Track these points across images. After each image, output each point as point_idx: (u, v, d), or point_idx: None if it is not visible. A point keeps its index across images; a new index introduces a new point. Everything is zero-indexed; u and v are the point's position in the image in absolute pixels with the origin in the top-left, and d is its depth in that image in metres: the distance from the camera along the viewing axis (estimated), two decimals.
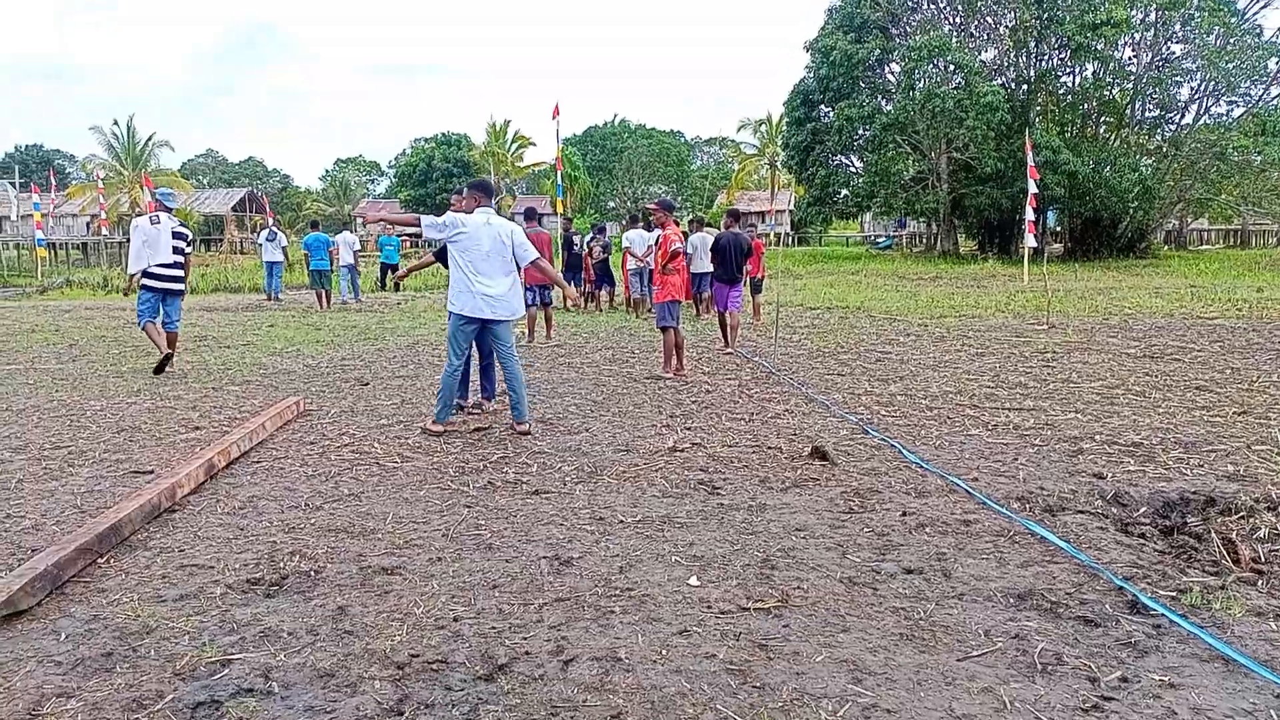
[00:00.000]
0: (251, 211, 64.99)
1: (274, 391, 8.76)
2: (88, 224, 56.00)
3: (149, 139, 59.01)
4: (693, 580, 3.97)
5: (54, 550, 4.01)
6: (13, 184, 56.56)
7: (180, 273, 10.17)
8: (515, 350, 7.27)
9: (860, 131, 41.01)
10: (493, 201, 7.38)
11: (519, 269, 7.19)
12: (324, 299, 19.96)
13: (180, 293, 10.35)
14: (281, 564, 4.15)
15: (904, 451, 6.24)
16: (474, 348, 7.64)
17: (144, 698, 2.96)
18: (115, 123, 57.90)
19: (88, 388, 9.00)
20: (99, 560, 4.17)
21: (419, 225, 7.16)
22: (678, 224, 11.01)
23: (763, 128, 67.64)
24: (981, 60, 39.66)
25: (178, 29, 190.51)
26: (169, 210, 10.17)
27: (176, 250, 10.01)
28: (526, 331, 12.73)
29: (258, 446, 6.45)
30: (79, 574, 4.00)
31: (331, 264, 20.85)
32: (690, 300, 15.84)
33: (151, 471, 5.76)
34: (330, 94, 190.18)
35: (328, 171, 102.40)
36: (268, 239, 22.82)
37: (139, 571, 4.08)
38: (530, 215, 11.70)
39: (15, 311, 19.08)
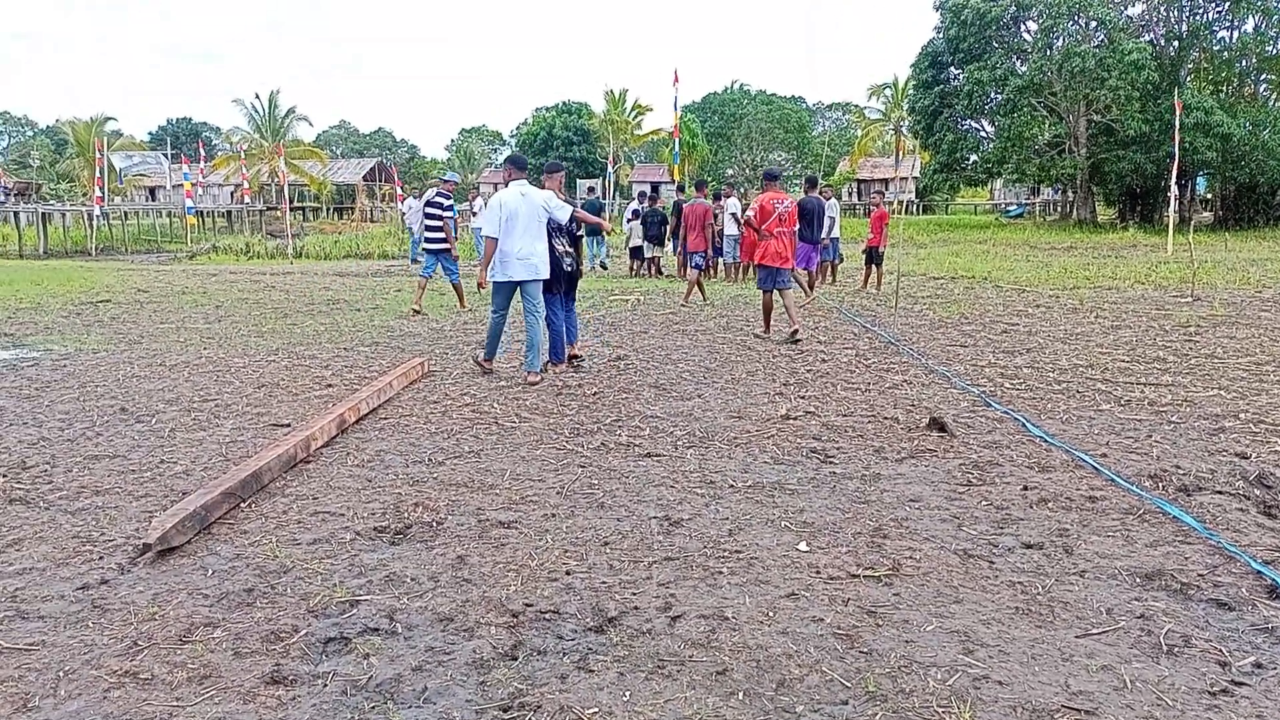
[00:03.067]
0: (381, 180, 67.26)
1: (400, 353, 9.12)
2: (231, 193, 59.15)
3: (288, 112, 61.72)
4: (802, 546, 3.96)
5: (202, 493, 4.32)
6: (166, 155, 60.24)
7: (438, 235, 12.20)
8: (540, 308, 7.92)
9: (992, 94, 39.24)
10: (521, 173, 8.05)
11: (601, 233, 7.79)
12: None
13: (444, 251, 12.29)
14: (406, 514, 4.35)
15: (1028, 425, 6.02)
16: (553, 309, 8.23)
17: (281, 631, 3.18)
18: (256, 96, 60.72)
19: (231, 346, 9.59)
20: (241, 504, 4.47)
21: (493, 244, 7.72)
22: (785, 191, 11.29)
23: (887, 91, 65.52)
24: (1127, 16, 37.33)
25: (315, 10, 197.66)
26: (452, 183, 12.86)
27: (430, 217, 12.28)
28: (688, 292, 13.95)
29: (385, 404, 6.75)
30: (224, 516, 4.31)
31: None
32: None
33: (288, 425, 6.11)
34: (456, 64, 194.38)
35: (453, 141, 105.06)
36: (408, 209, 24.22)
37: (277, 516, 4.36)
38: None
39: (167, 275, 20.42)
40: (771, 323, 10.39)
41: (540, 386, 7.43)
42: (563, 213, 7.90)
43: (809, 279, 14.20)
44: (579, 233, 8.45)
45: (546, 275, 7.90)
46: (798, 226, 10.82)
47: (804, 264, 14.01)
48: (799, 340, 9.73)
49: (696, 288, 13.97)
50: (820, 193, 16.49)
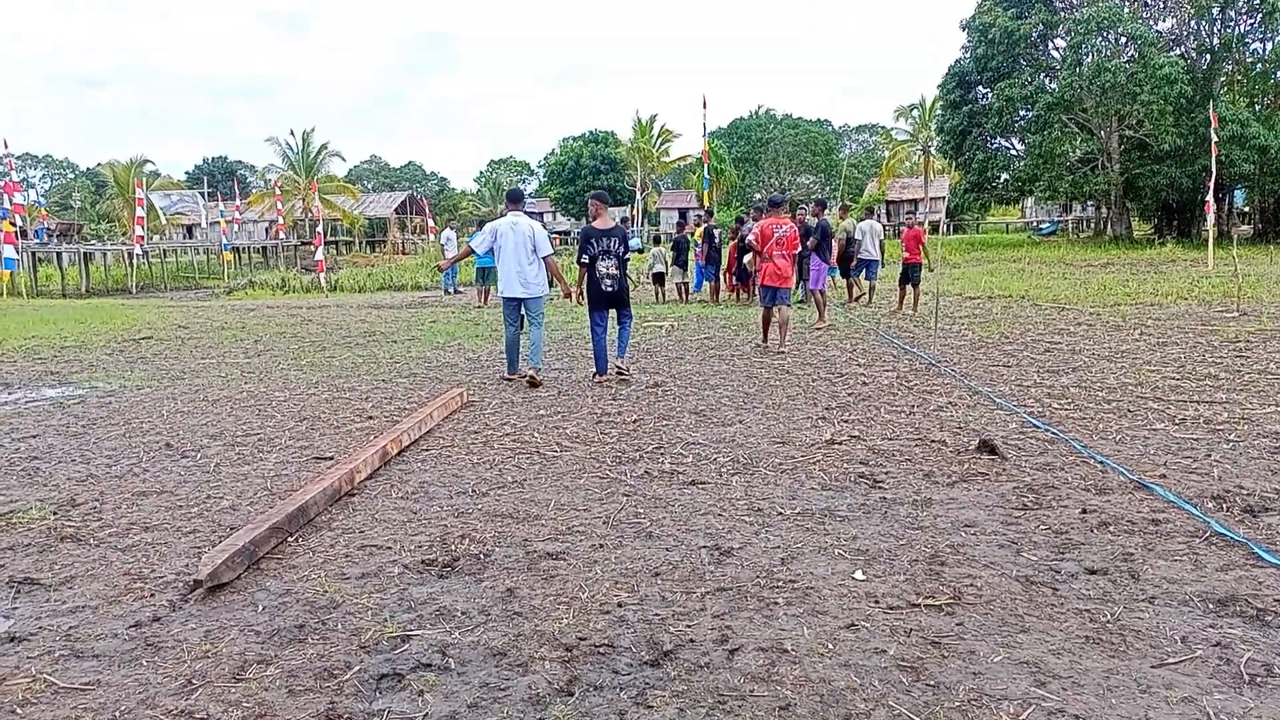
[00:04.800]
0: (412, 214, 68.08)
1: (439, 383, 9.14)
2: (266, 229, 60.13)
3: (320, 148, 62.79)
4: (858, 574, 3.87)
5: (250, 529, 4.32)
6: (202, 194, 61.45)
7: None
8: (543, 320, 9.21)
9: (1021, 112, 39.02)
10: (516, 205, 9.34)
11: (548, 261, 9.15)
12: (485, 295, 20.77)
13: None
14: (453, 546, 4.32)
15: (1080, 447, 5.88)
16: (605, 323, 9.29)
17: (334, 667, 3.14)
18: (291, 133, 61.82)
19: (272, 380, 9.67)
20: (288, 539, 4.46)
21: (471, 252, 9.77)
22: (794, 216, 13.29)
23: (914, 112, 65.40)
24: (1157, 30, 36.97)
25: (349, 50, 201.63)
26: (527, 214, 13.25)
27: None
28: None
29: (426, 435, 6.74)
30: (272, 551, 4.29)
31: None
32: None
33: (332, 458, 6.12)
34: (485, 98, 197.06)
35: (482, 173, 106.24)
36: (446, 240, 25.21)
37: (324, 550, 4.34)
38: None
39: (206, 310, 20.73)
40: (769, 335, 11.22)
41: (580, 415, 7.40)
42: (545, 248, 9.09)
43: (822, 299, 13.99)
44: (626, 256, 9.13)
45: (540, 294, 9.11)
46: (799, 249, 11.60)
47: (815, 284, 14.07)
48: (782, 353, 10.66)
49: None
50: (840, 214, 17.79)
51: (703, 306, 17.72)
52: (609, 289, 8.94)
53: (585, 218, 9.45)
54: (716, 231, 18.99)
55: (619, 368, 9.10)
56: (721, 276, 19.00)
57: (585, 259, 9.01)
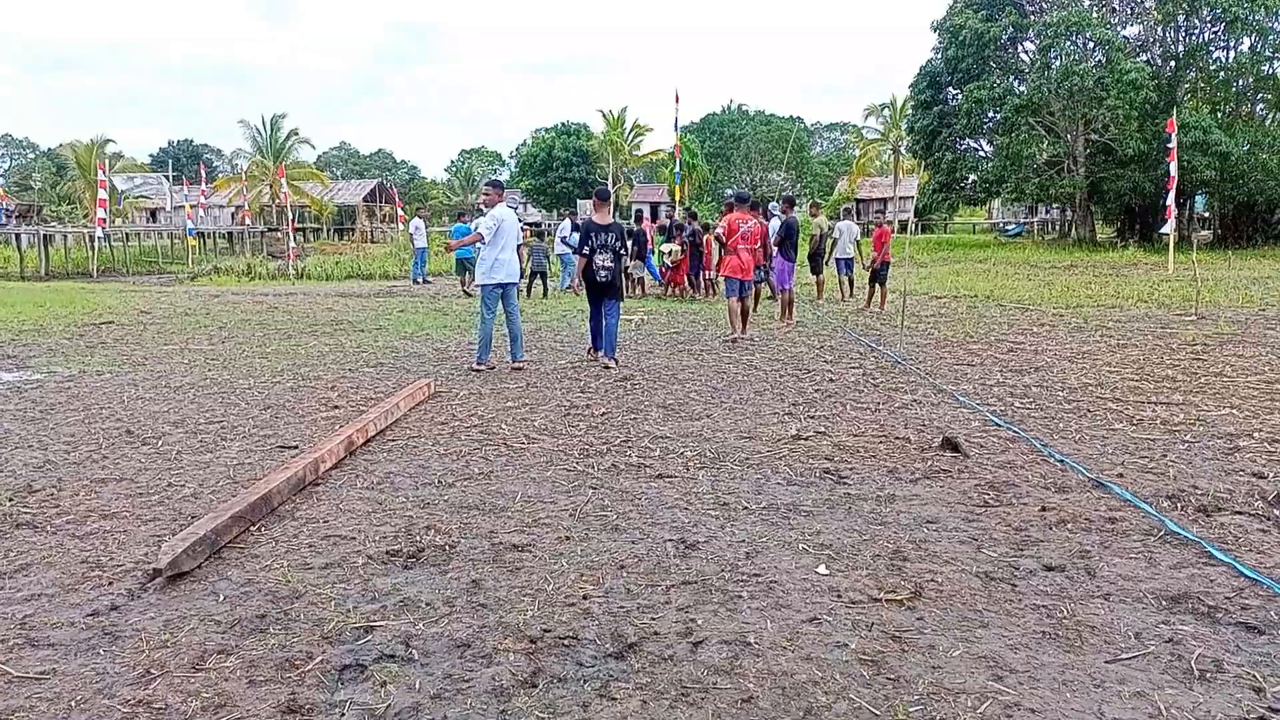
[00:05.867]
0: (381, 202, 67.46)
1: (406, 374, 9.08)
2: (232, 215, 59.27)
3: (289, 135, 61.97)
4: (821, 569, 3.91)
5: (211, 517, 4.27)
6: (167, 177, 60.40)
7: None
8: (516, 307, 9.61)
9: (990, 114, 39.50)
10: (502, 196, 9.69)
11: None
12: (465, 283, 20.64)
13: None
14: (418, 537, 4.30)
15: (1041, 446, 5.98)
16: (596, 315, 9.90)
17: (295, 658, 3.12)
18: (262, 119, 60.94)
19: (236, 368, 9.55)
20: (251, 528, 4.42)
21: (482, 240, 9.41)
22: (759, 211, 13.34)
23: (885, 112, 65.88)
24: (1124, 36, 37.54)
25: (324, 36, 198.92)
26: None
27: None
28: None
29: (392, 425, 6.70)
30: (234, 540, 4.25)
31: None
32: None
33: (296, 447, 6.06)
34: (458, 88, 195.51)
35: (453, 162, 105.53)
36: (415, 229, 24.68)
37: (287, 540, 4.30)
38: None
39: (169, 296, 20.41)
40: (735, 324, 11.52)
41: (548, 407, 7.39)
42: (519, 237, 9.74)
43: (788, 298, 13.78)
44: (622, 249, 9.92)
45: (517, 280, 9.72)
46: (758, 245, 11.74)
47: (782, 283, 13.88)
48: (736, 343, 11.16)
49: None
50: (811, 211, 17.70)
51: (658, 300, 17.73)
52: (603, 279, 9.72)
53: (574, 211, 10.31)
54: (695, 229, 18.60)
55: (606, 365, 9.49)
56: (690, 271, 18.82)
57: (586, 251, 9.76)
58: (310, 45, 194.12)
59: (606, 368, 9.37)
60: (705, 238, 18.25)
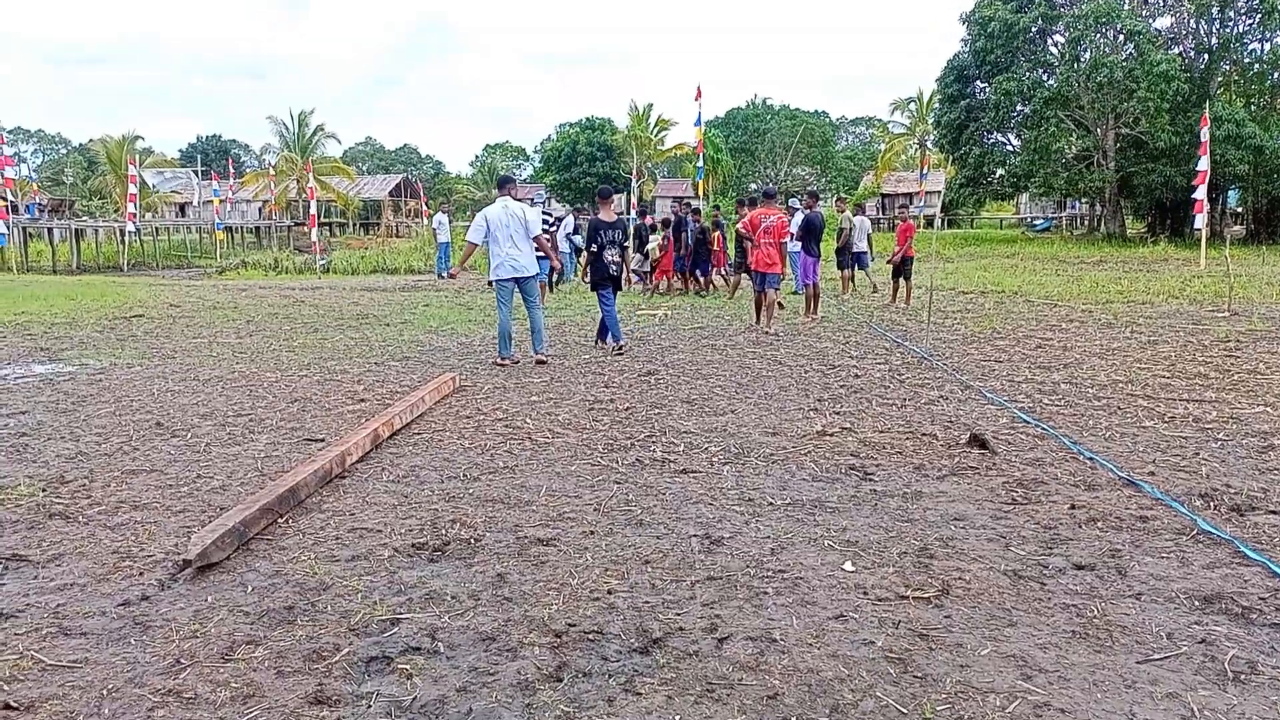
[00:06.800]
0: (406, 196, 67.74)
1: (431, 367, 9.12)
2: (260, 209, 59.75)
3: (316, 129, 62.36)
4: (847, 565, 3.89)
5: (240, 509, 4.31)
6: (196, 172, 61.07)
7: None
8: (539, 301, 9.81)
9: (1018, 107, 38.94)
10: (507, 190, 9.66)
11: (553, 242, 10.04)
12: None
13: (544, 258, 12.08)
14: (443, 531, 4.32)
15: (1070, 443, 5.91)
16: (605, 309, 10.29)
17: (323, 649, 3.14)
18: (290, 115, 61.37)
19: (263, 361, 9.64)
20: (279, 520, 4.46)
21: (472, 247, 9.73)
22: (785, 207, 13.93)
23: (911, 106, 65.31)
24: (1155, 28, 36.95)
25: (349, 30, 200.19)
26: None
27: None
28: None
29: (418, 419, 6.73)
30: (262, 532, 4.29)
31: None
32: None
33: (323, 440, 6.11)
34: (483, 82, 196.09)
35: (477, 157, 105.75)
36: (439, 224, 24.76)
37: (314, 532, 4.33)
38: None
39: (198, 290, 20.63)
40: (763, 316, 11.85)
41: (572, 401, 7.40)
42: (535, 228, 9.56)
43: (813, 293, 13.54)
44: (625, 243, 10.55)
45: (533, 272, 9.58)
46: (787, 239, 12.03)
47: (806, 278, 13.78)
48: (768, 335, 11.40)
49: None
50: (837, 206, 17.68)
51: (663, 296, 17.67)
52: (614, 272, 10.39)
53: (585, 207, 10.96)
54: (693, 223, 18.28)
55: (620, 349, 10.09)
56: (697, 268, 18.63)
57: (594, 247, 10.27)
58: (334, 37, 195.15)
59: (620, 352, 9.92)
60: (713, 235, 18.22)
